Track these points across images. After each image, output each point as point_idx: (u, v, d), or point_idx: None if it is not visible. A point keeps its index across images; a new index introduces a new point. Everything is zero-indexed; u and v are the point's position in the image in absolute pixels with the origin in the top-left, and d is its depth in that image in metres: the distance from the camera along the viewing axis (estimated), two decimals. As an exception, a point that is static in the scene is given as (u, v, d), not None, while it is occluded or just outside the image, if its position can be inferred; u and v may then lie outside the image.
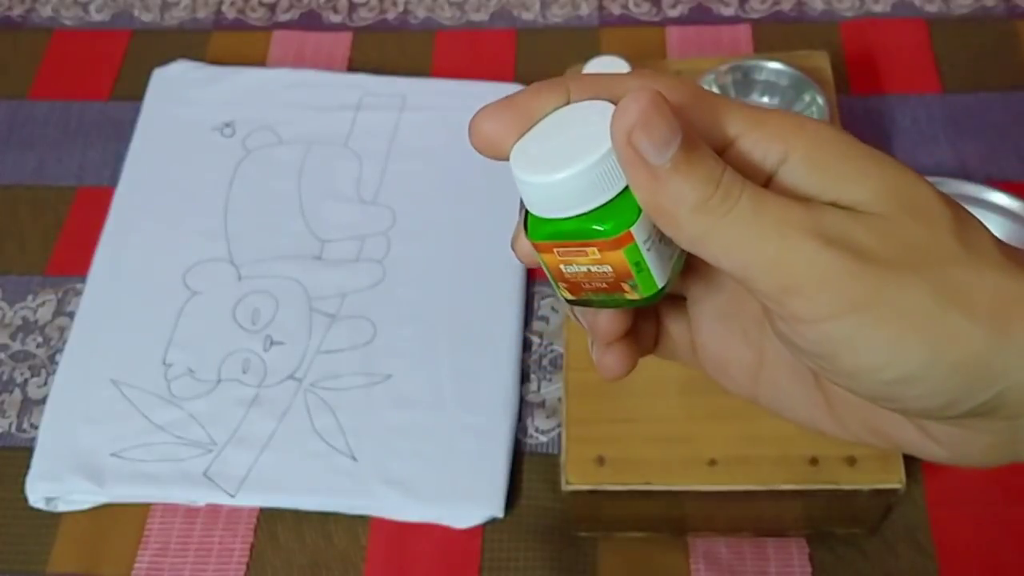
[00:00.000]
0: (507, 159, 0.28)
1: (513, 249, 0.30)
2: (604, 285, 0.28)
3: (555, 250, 0.28)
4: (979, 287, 0.25)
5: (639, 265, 0.27)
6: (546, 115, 0.28)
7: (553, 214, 0.27)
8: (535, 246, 0.28)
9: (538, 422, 0.62)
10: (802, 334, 0.26)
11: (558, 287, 0.29)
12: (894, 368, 0.25)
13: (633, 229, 0.27)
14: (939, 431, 0.28)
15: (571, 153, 0.26)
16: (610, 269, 0.27)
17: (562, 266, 0.28)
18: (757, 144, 0.27)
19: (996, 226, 0.64)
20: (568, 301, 0.30)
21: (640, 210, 0.26)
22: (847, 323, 0.25)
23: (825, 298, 0.25)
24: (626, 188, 0.27)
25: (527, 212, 0.28)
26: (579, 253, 0.27)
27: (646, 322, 0.33)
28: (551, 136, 0.27)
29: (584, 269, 0.28)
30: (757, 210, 0.25)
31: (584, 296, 0.29)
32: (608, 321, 0.30)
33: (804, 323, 0.26)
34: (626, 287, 0.28)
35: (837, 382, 0.27)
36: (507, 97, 0.28)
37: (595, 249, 0.27)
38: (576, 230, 0.27)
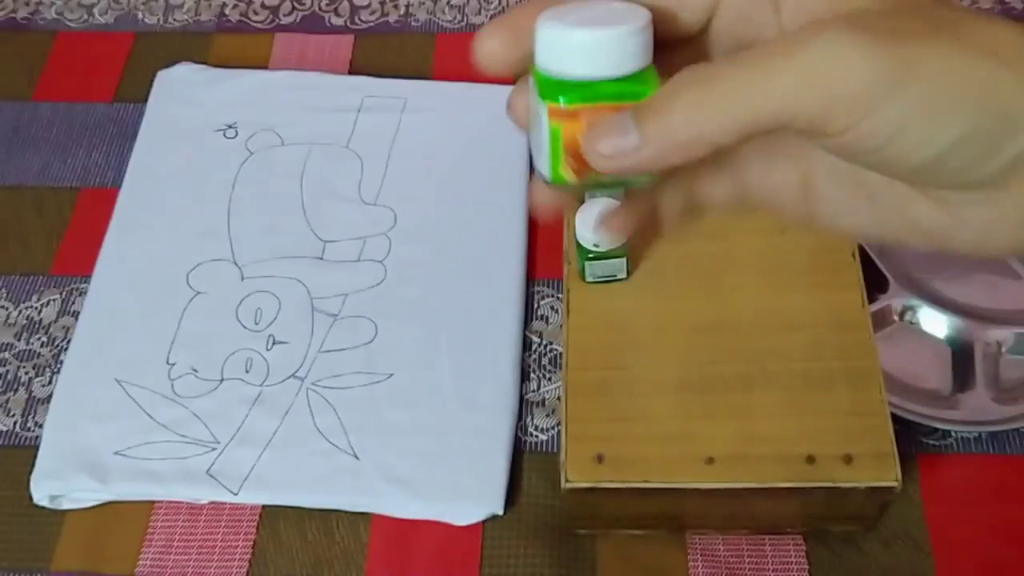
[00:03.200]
0: (511, 74, 0.28)
1: (512, 110, 0.29)
2: None
3: (583, 116, 0.27)
4: (998, 38, 0.25)
5: None
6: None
7: (595, 73, 0.27)
8: (559, 111, 0.27)
9: (538, 421, 0.63)
10: (855, 139, 0.25)
11: (558, 166, 0.28)
12: (942, 137, 0.25)
13: None
14: (971, 212, 0.28)
15: (612, 20, 0.27)
16: None
17: (581, 136, 0.27)
18: None
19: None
20: (566, 184, 0.28)
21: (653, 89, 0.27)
22: (895, 108, 0.24)
23: (868, 94, 0.24)
24: (651, 64, 0.27)
25: (547, 82, 0.28)
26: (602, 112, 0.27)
27: (675, 192, 0.33)
28: (577, 14, 0.27)
29: None
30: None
31: (590, 177, 0.28)
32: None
33: (854, 128, 0.25)
34: None
35: (888, 170, 0.27)
36: (503, 15, 0.28)
37: None
38: (615, 92, 0.27)
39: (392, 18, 0.84)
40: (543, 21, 0.27)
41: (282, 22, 0.84)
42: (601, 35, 0.26)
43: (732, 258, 0.57)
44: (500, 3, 0.84)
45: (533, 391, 0.64)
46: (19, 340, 0.68)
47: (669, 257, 0.57)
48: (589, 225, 0.54)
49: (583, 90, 0.27)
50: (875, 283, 0.64)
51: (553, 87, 0.27)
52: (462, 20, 0.83)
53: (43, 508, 0.60)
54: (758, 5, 0.28)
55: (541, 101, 0.28)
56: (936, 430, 0.60)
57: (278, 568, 0.58)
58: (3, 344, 0.68)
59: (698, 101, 0.25)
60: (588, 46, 0.27)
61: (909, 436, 0.60)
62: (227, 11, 0.85)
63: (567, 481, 0.51)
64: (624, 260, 0.55)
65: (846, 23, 0.25)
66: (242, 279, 0.68)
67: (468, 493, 0.59)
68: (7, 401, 0.65)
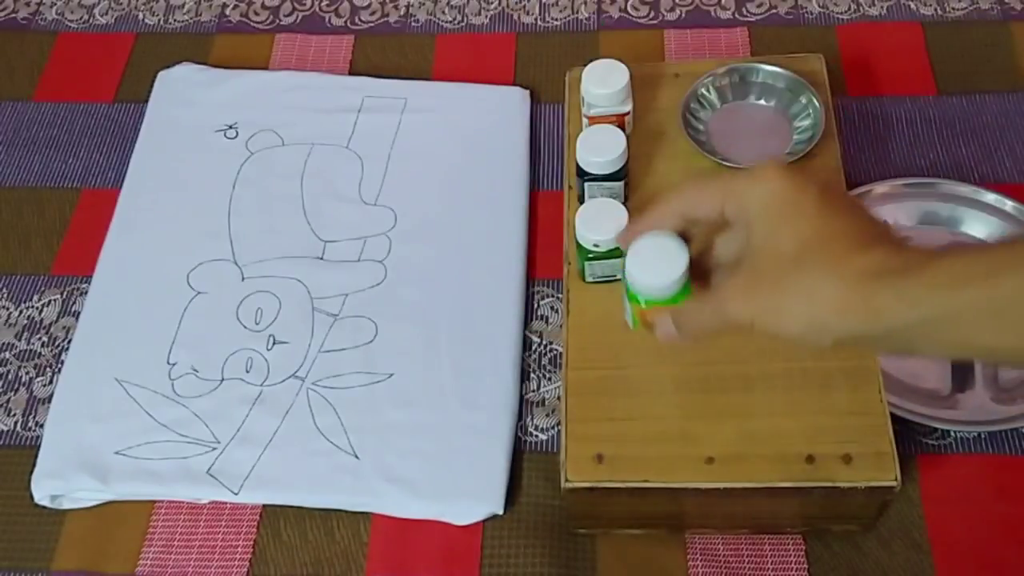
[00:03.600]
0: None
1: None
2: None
3: (647, 312, 0.47)
4: (824, 283, 0.39)
5: None
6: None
7: (657, 297, 0.46)
8: (635, 307, 0.48)
9: (538, 420, 0.63)
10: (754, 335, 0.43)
11: (636, 325, 0.49)
12: (787, 335, 0.41)
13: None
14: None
15: (666, 261, 0.45)
16: None
17: (647, 315, 0.48)
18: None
19: (989, 226, 0.64)
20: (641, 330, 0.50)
21: (687, 295, 0.47)
22: (758, 327, 0.42)
23: (748, 325, 0.42)
24: (686, 285, 0.46)
25: (630, 290, 0.47)
26: (661, 311, 0.47)
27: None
28: (646, 242, 0.46)
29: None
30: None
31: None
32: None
33: (750, 335, 0.42)
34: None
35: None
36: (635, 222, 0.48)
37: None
38: (664, 302, 0.46)
39: (392, 18, 0.84)
40: (630, 254, 0.46)
41: (282, 22, 0.85)
42: (656, 281, 0.46)
43: (731, 258, 0.57)
44: (499, 4, 0.84)
45: (533, 391, 0.64)
46: (20, 340, 0.68)
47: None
48: (589, 225, 0.54)
49: (647, 300, 0.47)
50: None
51: (632, 294, 0.47)
52: (462, 20, 0.84)
53: (44, 508, 0.61)
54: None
55: (627, 298, 0.49)
56: (935, 430, 0.60)
57: (278, 567, 0.59)
58: (4, 344, 0.68)
59: (692, 320, 0.45)
60: (648, 286, 0.46)
61: (908, 436, 0.60)
62: (227, 11, 0.85)
63: (567, 481, 0.52)
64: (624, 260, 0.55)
65: (737, 287, 0.43)
66: (242, 279, 0.68)
67: (468, 493, 0.59)
68: (8, 401, 0.65)
